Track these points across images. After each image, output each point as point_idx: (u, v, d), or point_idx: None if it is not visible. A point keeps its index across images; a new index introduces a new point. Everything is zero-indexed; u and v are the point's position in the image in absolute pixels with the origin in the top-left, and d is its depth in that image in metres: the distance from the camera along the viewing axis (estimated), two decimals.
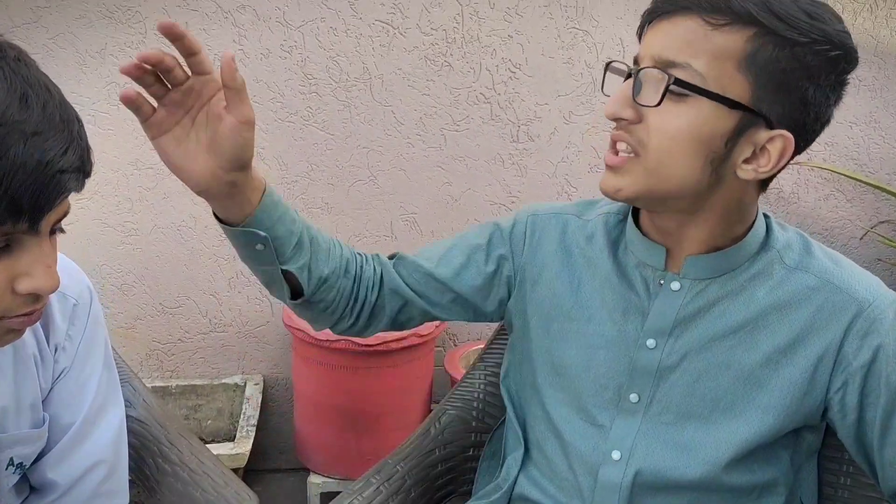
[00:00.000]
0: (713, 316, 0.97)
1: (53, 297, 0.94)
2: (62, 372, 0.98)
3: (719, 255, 0.96)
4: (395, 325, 1.13)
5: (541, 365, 1.07)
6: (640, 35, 0.92)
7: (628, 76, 0.90)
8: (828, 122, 0.91)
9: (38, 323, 0.92)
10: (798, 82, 0.85)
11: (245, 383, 2.22)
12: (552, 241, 1.08)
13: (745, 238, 0.96)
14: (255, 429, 2.00)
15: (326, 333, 1.89)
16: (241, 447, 1.92)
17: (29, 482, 1.01)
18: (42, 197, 0.72)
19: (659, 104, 0.86)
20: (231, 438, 2.07)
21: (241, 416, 2.07)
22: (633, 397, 1.00)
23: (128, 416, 1.11)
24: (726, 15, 0.84)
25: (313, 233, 1.02)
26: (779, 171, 0.90)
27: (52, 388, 0.97)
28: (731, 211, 0.94)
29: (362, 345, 1.84)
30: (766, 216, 1.00)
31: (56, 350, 0.96)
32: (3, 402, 0.91)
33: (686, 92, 0.85)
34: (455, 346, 2.29)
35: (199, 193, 0.88)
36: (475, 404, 1.33)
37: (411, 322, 1.13)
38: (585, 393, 1.02)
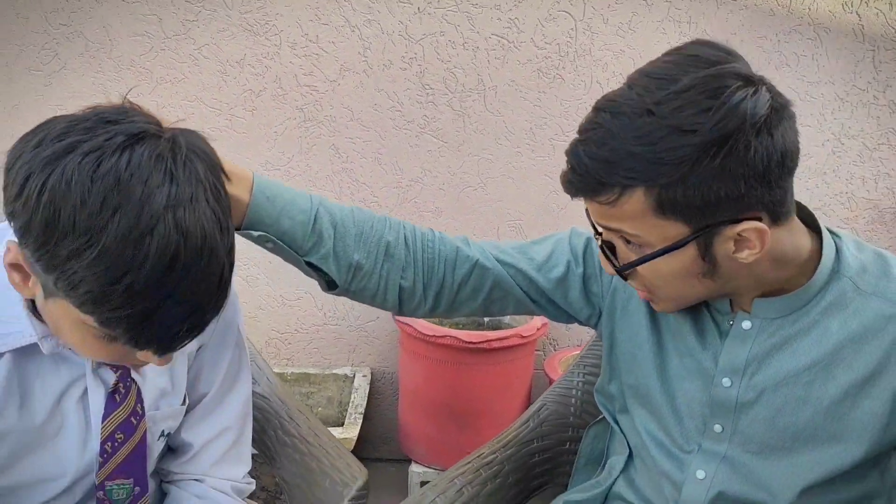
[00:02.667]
0: (787, 353, 0.97)
1: None
2: (200, 347, 1.10)
3: (786, 298, 0.96)
4: (486, 306, 1.11)
5: (628, 388, 1.11)
6: None
7: (595, 232, 0.96)
8: (792, 163, 0.87)
9: None
10: (719, 191, 0.84)
11: (354, 374, 2.35)
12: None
13: (812, 278, 0.95)
14: (362, 416, 2.12)
15: (433, 328, 2.00)
16: (349, 433, 2.04)
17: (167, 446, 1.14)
18: (165, 345, 0.80)
19: (626, 278, 0.95)
20: (340, 425, 2.20)
21: (350, 405, 2.20)
22: (717, 428, 1.02)
23: (252, 392, 1.22)
24: (607, 192, 0.86)
25: (339, 218, 0.99)
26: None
27: (192, 362, 1.10)
28: (769, 268, 0.94)
29: (466, 341, 1.93)
30: (836, 239, 0.98)
31: None
32: (162, 385, 1.04)
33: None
34: (555, 350, 2.35)
35: None
36: (573, 401, 1.39)
37: (503, 306, 1.12)
38: (671, 421, 1.06)
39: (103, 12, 2.09)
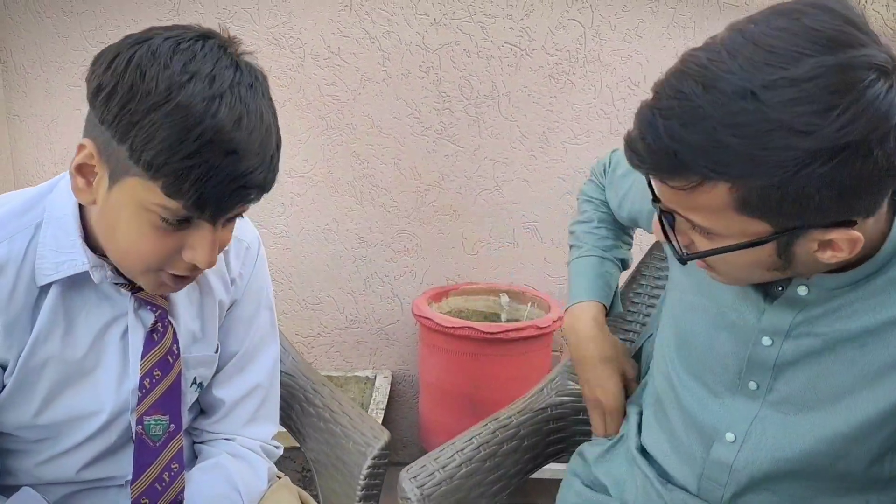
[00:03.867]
0: (841, 320, 0.90)
1: (232, 240, 1.14)
2: (233, 304, 1.18)
3: (850, 273, 0.88)
4: None
5: (672, 330, 1.09)
6: None
7: (655, 203, 0.86)
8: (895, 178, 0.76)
9: (220, 259, 1.13)
10: (817, 198, 0.73)
11: (375, 377, 2.42)
12: None
13: (879, 252, 0.86)
14: (383, 413, 2.18)
15: (451, 321, 2.06)
16: None
17: (199, 405, 1.21)
18: (223, 203, 0.89)
19: (685, 263, 0.86)
20: None
21: (371, 402, 2.26)
22: (752, 385, 0.98)
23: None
24: (684, 178, 0.76)
25: (611, 242, 1.33)
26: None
27: (224, 319, 1.18)
28: None
29: (484, 332, 2.00)
30: None
31: (231, 283, 1.16)
32: (191, 328, 1.12)
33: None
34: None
35: None
36: None
37: None
38: (708, 369, 1.02)
39: (139, 29, 2.21)
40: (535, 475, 1.39)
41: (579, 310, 1.27)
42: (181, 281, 0.99)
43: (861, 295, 0.89)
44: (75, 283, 0.99)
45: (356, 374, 2.44)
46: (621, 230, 1.34)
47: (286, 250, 2.37)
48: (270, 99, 0.92)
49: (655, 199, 0.85)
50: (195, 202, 0.87)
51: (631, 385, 1.26)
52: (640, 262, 1.45)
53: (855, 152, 0.70)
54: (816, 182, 0.72)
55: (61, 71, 2.26)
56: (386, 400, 2.26)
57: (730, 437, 1.00)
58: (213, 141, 0.84)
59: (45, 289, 0.98)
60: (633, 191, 1.23)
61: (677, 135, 0.74)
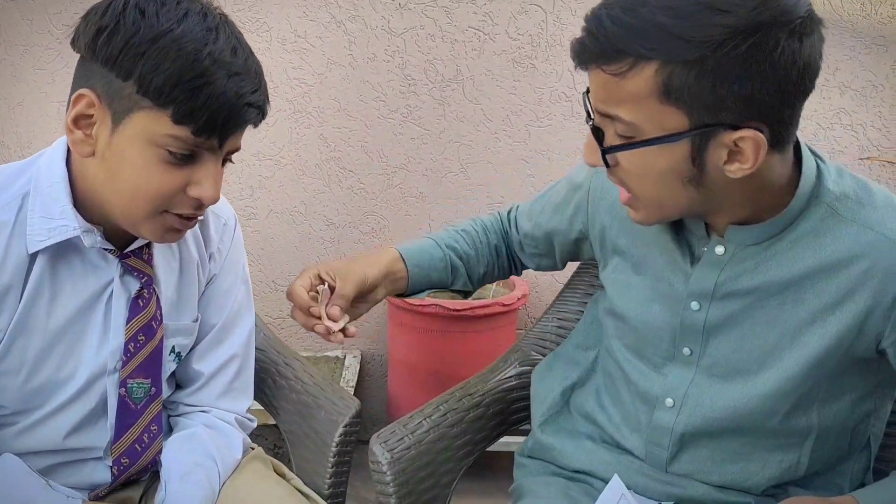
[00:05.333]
0: (759, 277, 0.97)
1: (209, 215, 1.18)
2: (212, 278, 1.21)
3: (762, 226, 0.95)
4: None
5: (610, 313, 1.15)
6: None
7: (588, 117, 0.92)
8: (810, 83, 0.85)
9: (199, 234, 1.17)
10: (730, 86, 0.82)
11: (345, 356, 2.46)
12: (613, 195, 1.09)
13: (789, 205, 0.94)
14: (353, 392, 2.22)
15: (421, 301, 2.11)
16: None
17: (175, 379, 1.24)
18: (232, 120, 0.95)
19: (609, 166, 0.92)
20: None
21: (341, 382, 2.30)
22: (686, 351, 1.04)
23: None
24: (619, 60, 0.84)
25: (461, 250, 1.26)
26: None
27: (203, 292, 1.22)
28: (752, 193, 0.93)
29: (450, 309, 2.05)
30: (819, 163, 0.97)
31: (210, 258, 1.20)
32: (170, 295, 1.15)
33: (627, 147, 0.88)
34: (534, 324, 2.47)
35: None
36: (547, 344, 1.50)
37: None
38: (647, 343, 1.08)
39: None
40: (492, 448, 1.43)
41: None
42: (186, 222, 1.03)
43: (775, 251, 0.96)
44: (63, 251, 1.03)
45: (326, 354, 2.48)
46: (479, 246, 1.30)
47: (255, 232, 2.40)
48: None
49: (589, 118, 0.93)
50: (205, 123, 0.93)
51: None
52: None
53: (765, 37, 0.80)
54: (731, 63, 0.80)
55: (26, 54, 2.25)
56: (356, 378, 2.31)
57: (669, 402, 1.06)
58: (218, 63, 0.91)
59: (33, 257, 1.02)
60: (548, 205, 1.25)
61: (618, 19, 0.83)
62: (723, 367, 1.03)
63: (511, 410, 1.44)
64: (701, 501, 1.08)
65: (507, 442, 1.50)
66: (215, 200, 1.00)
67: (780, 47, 0.81)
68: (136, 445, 1.11)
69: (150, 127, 0.93)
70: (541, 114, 2.31)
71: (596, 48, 0.86)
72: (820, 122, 2.29)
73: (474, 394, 1.39)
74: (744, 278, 0.98)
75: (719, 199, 0.93)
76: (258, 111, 0.98)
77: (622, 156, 0.91)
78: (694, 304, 1.02)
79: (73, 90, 0.96)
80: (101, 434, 1.11)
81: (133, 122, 0.94)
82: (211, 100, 0.92)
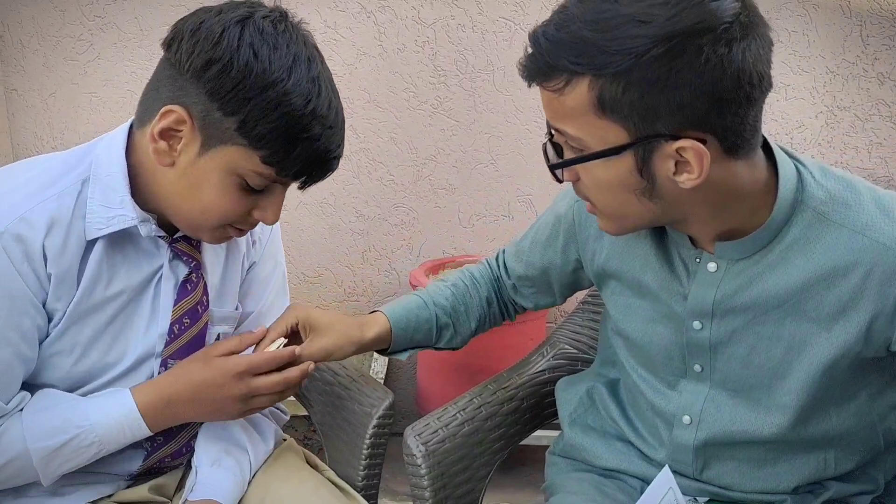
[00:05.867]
0: (755, 292, 0.95)
1: None
2: (251, 265, 1.23)
3: (748, 239, 0.94)
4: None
5: (617, 333, 1.14)
6: None
7: (548, 132, 0.93)
8: (751, 89, 0.83)
9: None
10: (658, 96, 0.82)
11: None
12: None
13: (772, 215, 0.91)
14: (382, 382, 2.22)
15: None
16: None
17: None
18: (318, 172, 1.02)
19: (561, 181, 0.94)
20: None
21: (370, 374, 2.30)
22: (697, 367, 1.03)
23: None
24: (555, 77, 0.85)
25: (450, 307, 1.24)
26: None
27: (243, 279, 1.23)
28: (720, 202, 0.91)
29: None
30: (798, 166, 0.94)
31: (252, 245, 1.22)
32: (215, 282, 1.17)
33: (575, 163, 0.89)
34: (563, 317, 2.45)
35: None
36: (582, 338, 1.49)
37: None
38: (655, 362, 1.08)
39: (135, 4, 2.23)
40: (524, 441, 1.42)
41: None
42: (241, 233, 1.08)
43: (767, 264, 0.94)
44: (118, 239, 1.05)
45: None
46: (469, 301, 1.27)
47: (284, 223, 2.37)
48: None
49: (549, 131, 0.93)
50: (296, 172, 0.99)
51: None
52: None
53: (685, 44, 0.79)
54: (656, 73, 0.80)
55: (59, 45, 2.27)
56: (384, 371, 2.30)
57: (686, 419, 1.06)
58: (317, 118, 0.96)
59: (91, 243, 1.03)
60: (537, 243, 1.23)
61: (551, 36, 0.85)
62: (735, 382, 1.02)
63: (545, 404, 1.43)
64: (737, 501, 1.08)
65: (538, 436, 1.49)
66: (275, 222, 1.06)
67: (703, 54, 0.80)
68: (172, 426, 1.12)
69: (239, 161, 0.98)
70: None
71: (534, 66, 0.87)
72: (858, 113, 2.25)
73: (508, 387, 1.38)
74: (740, 294, 0.97)
75: (682, 209, 0.92)
76: (340, 159, 1.04)
77: (580, 169, 0.91)
78: (696, 324, 1.01)
79: (156, 96, 0.99)
80: None
81: (223, 152, 0.98)
82: (305, 152, 0.97)
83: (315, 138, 0.96)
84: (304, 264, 2.45)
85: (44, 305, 1.02)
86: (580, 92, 0.84)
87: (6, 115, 2.33)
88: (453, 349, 1.30)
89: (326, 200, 2.39)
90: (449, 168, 2.35)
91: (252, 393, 1.08)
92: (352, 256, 2.44)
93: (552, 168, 0.94)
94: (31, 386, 1.06)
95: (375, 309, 1.23)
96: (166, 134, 0.98)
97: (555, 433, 1.32)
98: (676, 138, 0.84)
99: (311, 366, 1.11)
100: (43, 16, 2.25)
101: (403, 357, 1.25)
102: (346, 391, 1.37)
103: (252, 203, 1.02)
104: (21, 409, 1.04)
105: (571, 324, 1.51)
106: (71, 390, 1.08)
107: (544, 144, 0.94)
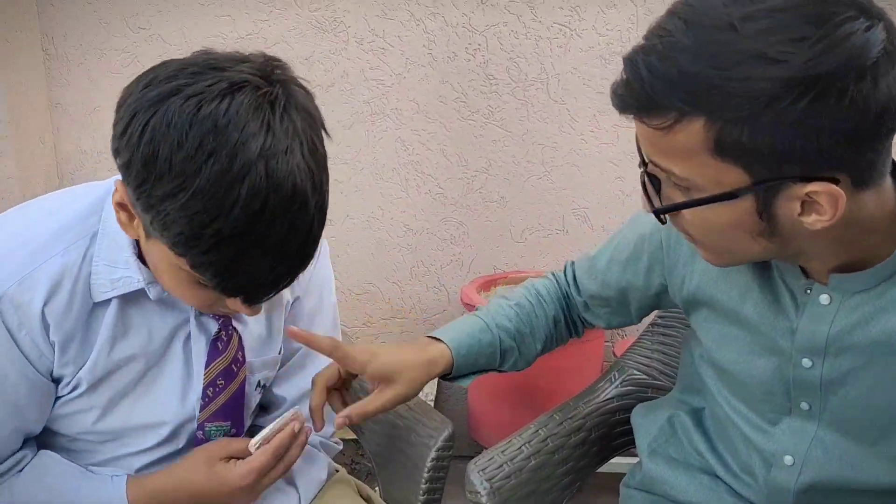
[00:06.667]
0: (876, 330, 0.85)
1: None
2: (296, 299, 1.13)
3: (871, 270, 0.83)
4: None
5: (709, 362, 1.05)
6: None
7: (642, 162, 0.83)
8: (889, 129, 0.73)
9: None
10: (794, 141, 0.71)
11: None
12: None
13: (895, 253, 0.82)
14: (432, 405, 2.13)
15: None
16: None
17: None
18: (253, 297, 0.84)
19: (664, 223, 0.84)
20: None
21: (419, 394, 2.21)
22: (804, 405, 0.93)
23: None
24: (662, 115, 0.74)
25: (514, 328, 1.14)
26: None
27: (286, 315, 1.12)
28: (844, 237, 0.81)
29: None
30: None
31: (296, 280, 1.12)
32: (259, 331, 1.07)
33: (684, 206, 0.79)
34: (623, 338, 2.34)
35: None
36: (652, 363, 1.38)
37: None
38: (754, 396, 0.98)
39: (180, 15, 2.19)
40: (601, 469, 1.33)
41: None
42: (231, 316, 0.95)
43: (887, 301, 0.84)
44: (133, 296, 0.95)
45: None
46: (535, 322, 1.17)
47: (330, 238, 2.30)
48: (315, 149, 0.82)
49: (643, 163, 0.82)
50: (222, 291, 0.82)
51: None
52: None
53: (827, 88, 0.69)
54: (789, 119, 0.70)
55: (103, 59, 2.23)
56: (434, 391, 2.22)
57: (788, 460, 0.96)
58: (232, 237, 0.76)
59: (102, 302, 0.94)
60: (615, 261, 1.13)
61: (655, 69, 0.73)
62: (848, 424, 0.92)
63: (614, 434, 1.33)
64: None
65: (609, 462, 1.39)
66: (255, 314, 0.90)
67: (847, 95, 0.69)
68: None
69: (174, 259, 0.82)
70: None
71: (634, 100, 0.76)
72: None
73: (575, 416, 1.29)
74: (858, 332, 0.86)
75: (800, 245, 0.82)
76: (289, 278, 0.84)
77: (687, 211, 0.81)
78: (805, 361, 0.90)
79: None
80: None
81: (159, 246, 0.83)
82: (222, 276, 0.80)
83: (229, 260, 0.78)
84: (351, 280, 2.38)
85: (50, 373, 0.94)
86: (693, 132, 0.74)
87: (51, 129, 2.30)
88: (517, 371, 1.21)
89: (374, 215, 2.31)
90: (500, 181, 2.27)
91: (259, 492, 1.00)
92: (399, 272, 2.36)
93: (658, 212, 0.82)
94: (54, 435, 1.00)
95: (434, 336, 1.13)
96: (123, 207, 0.85)
97: (625, 460, 1.22)
98: (807, 180, 0.74)
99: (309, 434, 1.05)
100: (87, 29, 2.22)
101: (466, 384, 1.15)
102: (401, 420, 1.29)
103: (216, 296, 0.86)
104: (21, 470, 0.97)
105: (640, 347, 1.41)
106: (103, 443, 1.01)
107: (642, 176, 0.83)
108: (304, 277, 1.11)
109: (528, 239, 2.31)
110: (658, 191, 0.82)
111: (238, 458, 0.99)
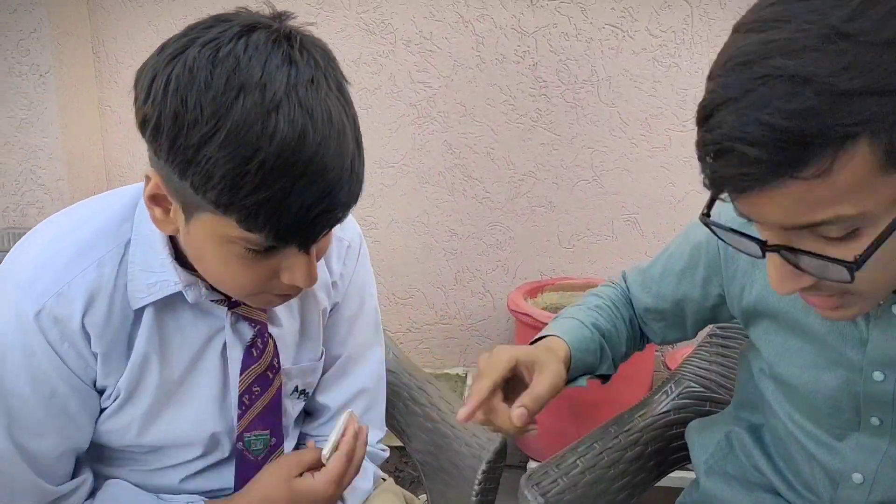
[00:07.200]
0: None
1: (331, 239, 1.03)
2: (335, 305, 1.10)
3: None
4: None
5: (766, 370, 1.01)
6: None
7: (764, 246, 0.72)
8: None
9: (322, 264, 1.04)
10: None
11: (466, 374, 2.33)
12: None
13: None
14: None
15: (550, 317, 1.96)
16: None
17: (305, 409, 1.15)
18: (307, 233, 0.78)
19: (852, 280, 0.69)
20: None
21: (463, 400, 2.18)
22: (875, 421, 0.89)
23: None
24: (815, 161, 0.62)
25: (604, 328, 1.09)
26: None
27: (327, 321, 1.10)
28: None
29: None
30: None
31: (333, 286, 1.08)
32: (294, 337, 1.04)
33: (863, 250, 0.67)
34: (674, 347, 2.28)
35: None
36: (711, 375, 1.33)
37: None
38: (819, 411, 0.93)
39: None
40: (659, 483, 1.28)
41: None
42: (283, 299, 0.90)
43: None
44: (169, 302, 0.92)
45: (446, 371, 2.36)
46: (617, 322, 1.12)
47: (375, 242, 2.31)
48: (340, 84, 0.79)
49: (764, 247, 0.71)
50: (275, 236, 0.77)
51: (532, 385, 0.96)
52: None
53: None
54: None
55: None
56: None
57: (857, 478, 0.92)
58: (278, 168, 0.72)
59: (139, 311, 0.91)
60: (669, 273, 1.08)
61: (786, 111, 0.61)
62: None
63: (670, 449, 1.28)
64: None
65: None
66: (312, 284, 0.84)
67: None
68: None
69: (221, 229, 0.78)
70: (684, 117, 2.12)
71: (772, 162, 0.63)
72: None
73: (630, 430, 1.24)
74: None
75: None
76: (343, 208, 0.79)
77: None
78: (877, 375, 0.86)
79: (150, 161, 0.84)
80: (225, 478, 1.04)
81: (202, 220, 0.79)
82: (276, 215, 0.76)
83: (282, 192, 0.74)
84: (395, 285, 2.35)
85: (94, 383, 0.92)
86: (860, 157, 0.62)
87: (100, 131, 2.32)
88: (605, 378, 1.13)
89: (419, 219, 2.28)
90: (548, 185, 2.22)
91: (338, 498, 1.00)
92: (444, 277, 2.33)
93: (855, 269, 0.67)
94: (102, 448, 0.99)
95: (542, 335, 1.06)
96: (157, 199, 0.82)
97: (682, 474, 1.17)
98: None
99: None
100: (136, 31, 2.23)
101: (584, 383, 1.07)
102: (451, 430, 1.26)
103: (271, 268, 0.83)
104: (92, 497, 0.97)
105: (697, 359, 1.35)
106: (146, 454, 0.99)
107: (782, 255, 0.71)
108: (342, 285, 1.09)
109: (576, 245, 2.26)
110: (796, 263, 0.71)
111: (313, 470, 0.99)
